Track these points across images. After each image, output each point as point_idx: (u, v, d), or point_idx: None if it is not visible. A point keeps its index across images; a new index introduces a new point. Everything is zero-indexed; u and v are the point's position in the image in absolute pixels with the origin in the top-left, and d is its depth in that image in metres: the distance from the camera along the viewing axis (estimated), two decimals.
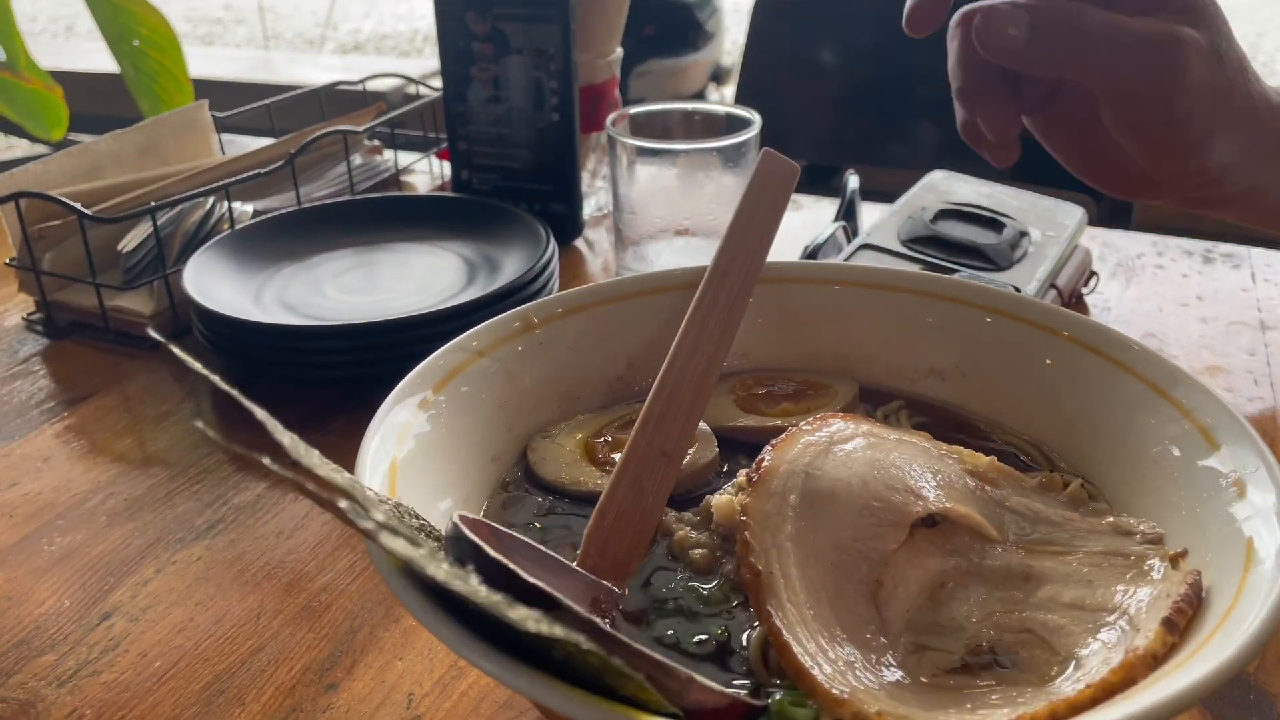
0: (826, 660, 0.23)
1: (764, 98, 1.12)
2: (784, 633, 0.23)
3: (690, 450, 0.31)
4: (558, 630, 0.17)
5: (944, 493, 0.26)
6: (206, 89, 1.13)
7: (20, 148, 1.80)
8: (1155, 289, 0.57)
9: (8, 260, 0.54)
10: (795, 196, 0.67)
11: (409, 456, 0.28)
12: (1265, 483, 0.25)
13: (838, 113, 1.13)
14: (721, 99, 2.26)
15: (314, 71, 2.53)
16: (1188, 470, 0.28)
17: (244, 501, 0.41)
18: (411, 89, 0.77)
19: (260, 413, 0.21)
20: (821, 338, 0.38)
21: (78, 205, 0.50)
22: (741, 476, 0.29)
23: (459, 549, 0.21)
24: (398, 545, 0.19)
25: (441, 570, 0.19)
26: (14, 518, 0.41)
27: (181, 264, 0.51)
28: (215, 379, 0.23)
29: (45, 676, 0.32)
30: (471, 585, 0.18)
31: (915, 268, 0.48)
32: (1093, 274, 0.55)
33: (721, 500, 0.28)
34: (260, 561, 0.37)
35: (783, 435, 0.29)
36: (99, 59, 1.89)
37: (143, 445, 0.45)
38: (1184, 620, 0.23)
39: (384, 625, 0.34)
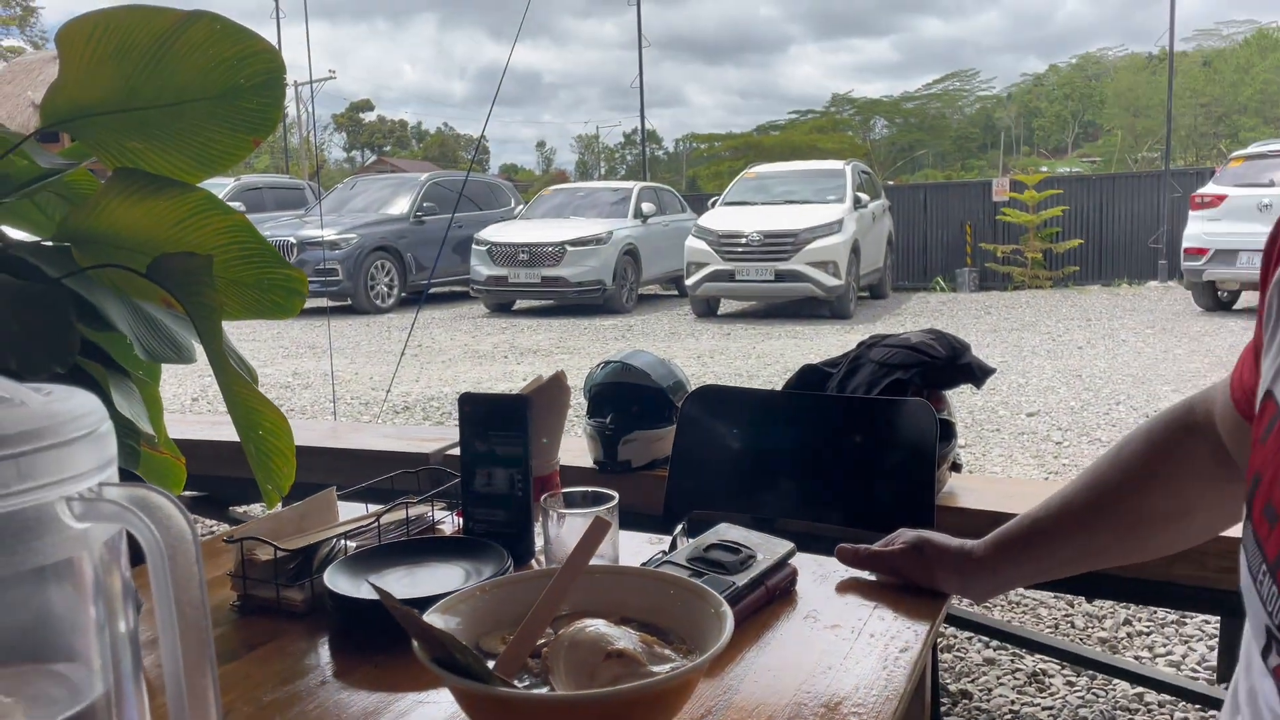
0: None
1: (691, 458, 1.65)
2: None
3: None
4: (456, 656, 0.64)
5: (621, 641, 0.73)
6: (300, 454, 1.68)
7: None
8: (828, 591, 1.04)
9: (228, 573, 1.04)
10: (650, 535, 1.17)
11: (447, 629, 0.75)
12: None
13: (731, 476, 1.66)
14: None
15: (374, 439, 3.18)
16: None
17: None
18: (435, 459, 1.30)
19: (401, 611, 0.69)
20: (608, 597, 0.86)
21: (275, 543, 1.00)
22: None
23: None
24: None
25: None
26: None
27: (319, 573, 1.00)
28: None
29: None
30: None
31: (685, 573, 0.96)
32: (793, 580, 1.02)
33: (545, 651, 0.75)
34: None
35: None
36: (224, 430, 2.49)
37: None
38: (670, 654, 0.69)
39: None
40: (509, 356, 8.22)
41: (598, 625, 0.75)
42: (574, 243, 11.16)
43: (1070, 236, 14.18)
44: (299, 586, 1.00)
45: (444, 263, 12.28)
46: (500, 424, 1.10)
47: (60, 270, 2.00)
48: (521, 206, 13.60)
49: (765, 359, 7.59)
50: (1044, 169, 26.65)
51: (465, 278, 11.89)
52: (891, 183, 18.02)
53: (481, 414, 1.11)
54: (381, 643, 0.93)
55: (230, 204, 2.03)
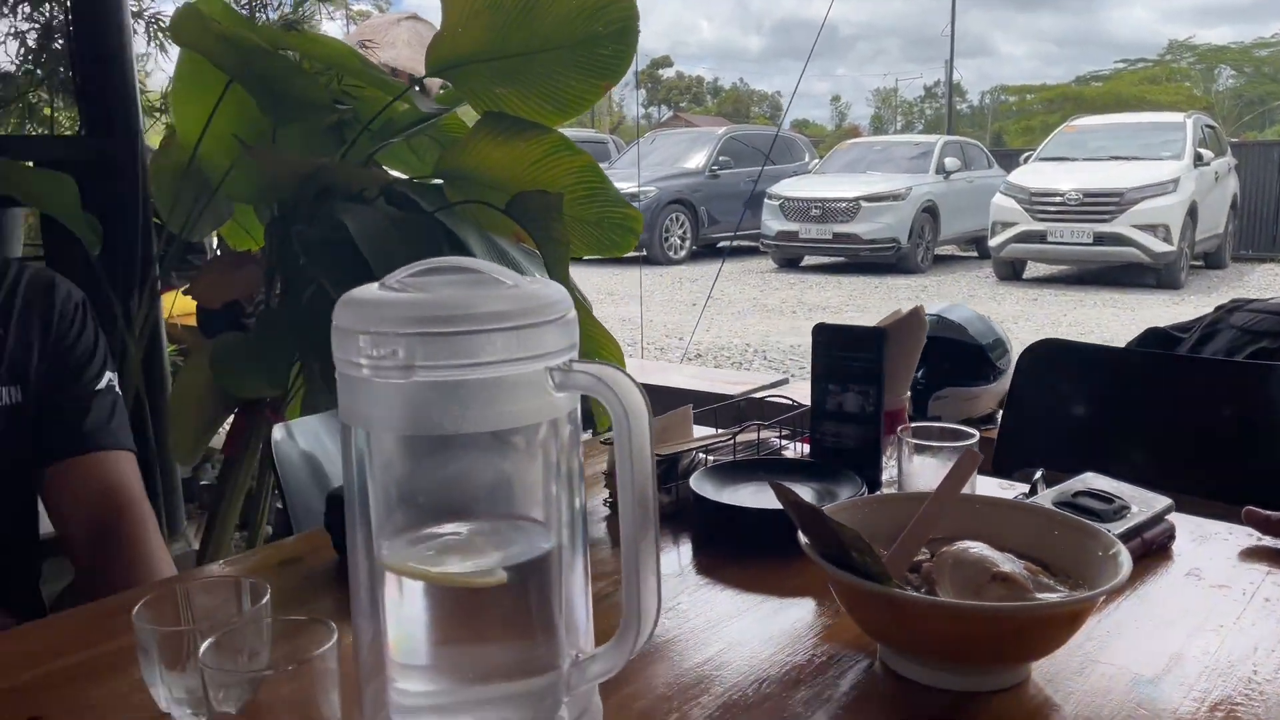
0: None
1: (1027, 414, 1.60)
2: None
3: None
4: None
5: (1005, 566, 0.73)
6: None
7: None
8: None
9: (603, 471, 1.14)
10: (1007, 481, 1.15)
11: None
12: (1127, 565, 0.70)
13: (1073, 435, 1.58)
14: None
15: (679, 378, 3.34)
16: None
17: None
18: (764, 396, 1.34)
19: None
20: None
21: None
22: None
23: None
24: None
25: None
26: None
27: (684, 479, 1.07)
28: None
29: None
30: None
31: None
32: (1171, 536, 0.96)
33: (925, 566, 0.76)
34: None
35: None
36: None
37: None
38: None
39: None
40: (796, 312, 8.20)
41: (980, 548, 0.75)
42: (869, 198, 10.87)
43: None
44: (665, 490, 1.08)
45: (734, 217, 12.42)
46: (855, 353, 1.12)
47: (433, 205, 2.25)
48: (815, 161, 13.43)
49: (1078, 328, 7.04)
50: None
51: (754, 232, 11.96)
52: (1236, 140, 15.92)
53: (837, 342, 1.13)
54: (743, 547, 0.98)
55: None
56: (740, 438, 1.22)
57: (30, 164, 2.29)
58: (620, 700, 0.71)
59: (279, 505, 2.97)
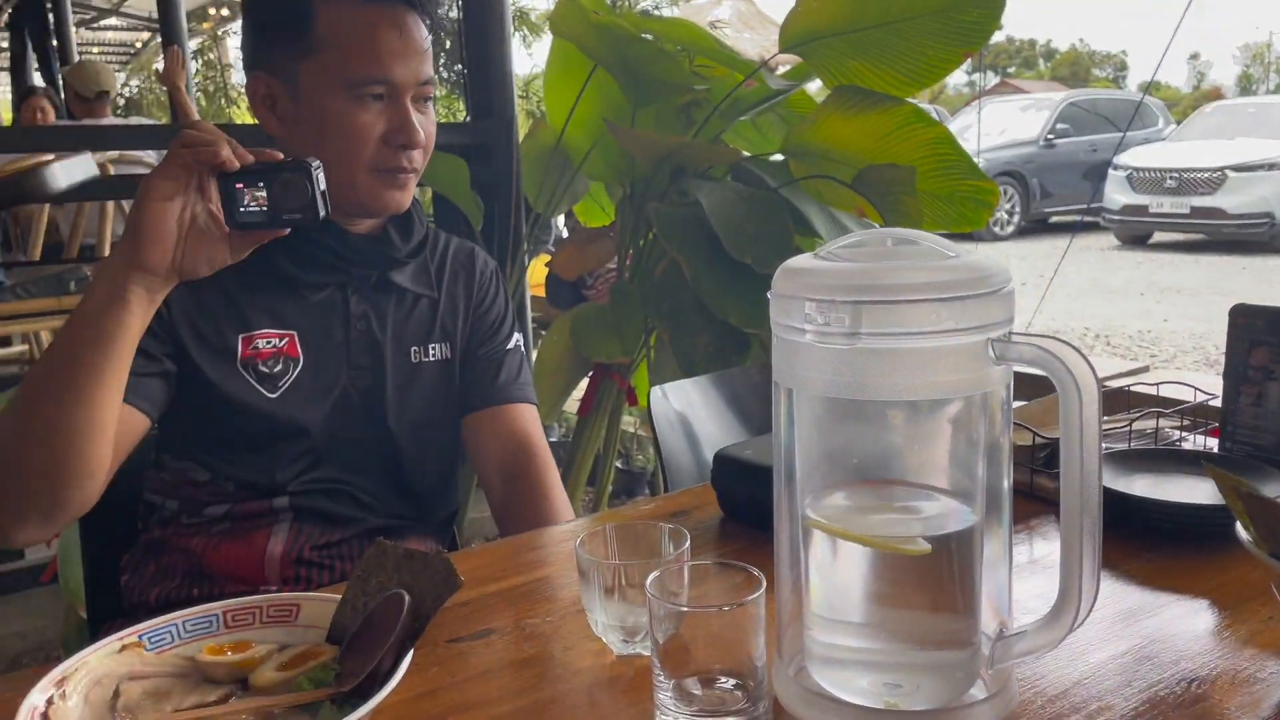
0: None
1: None
2: None
3: None
4: None
5: None
6: None
7: None
8: None
9: None
10: None
11: None
12: None
13: None
14: None
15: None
16: None
17: None
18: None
19: None
20: None
21: (1034, 429, 1.04)
22: None
23: None
24: None
25: None
26: None
27: None
28: None
29: None
30: None
31: None
32: None
33: None
34: None
35: None
36: None
37: None
38: None
39: None
40: (1145, 294, 7.44)
41: None
42: (1238, 168, 9.57)
43: None
44: (1051, 475, 1.04)
45: (1070, 189, 11.45)
46: None
47: (779, 180, 2.29)
48: (1171, 127, 12.03)
49: None
50: None
51: (1090, 206, 10.95)
52: None
53: (1260, 327, 1.02)
54: (1147, 539, 0.92)
55: None
56: (1141, 425, 1.13)
57: None
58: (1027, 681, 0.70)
59: (619, 465, 3.18)
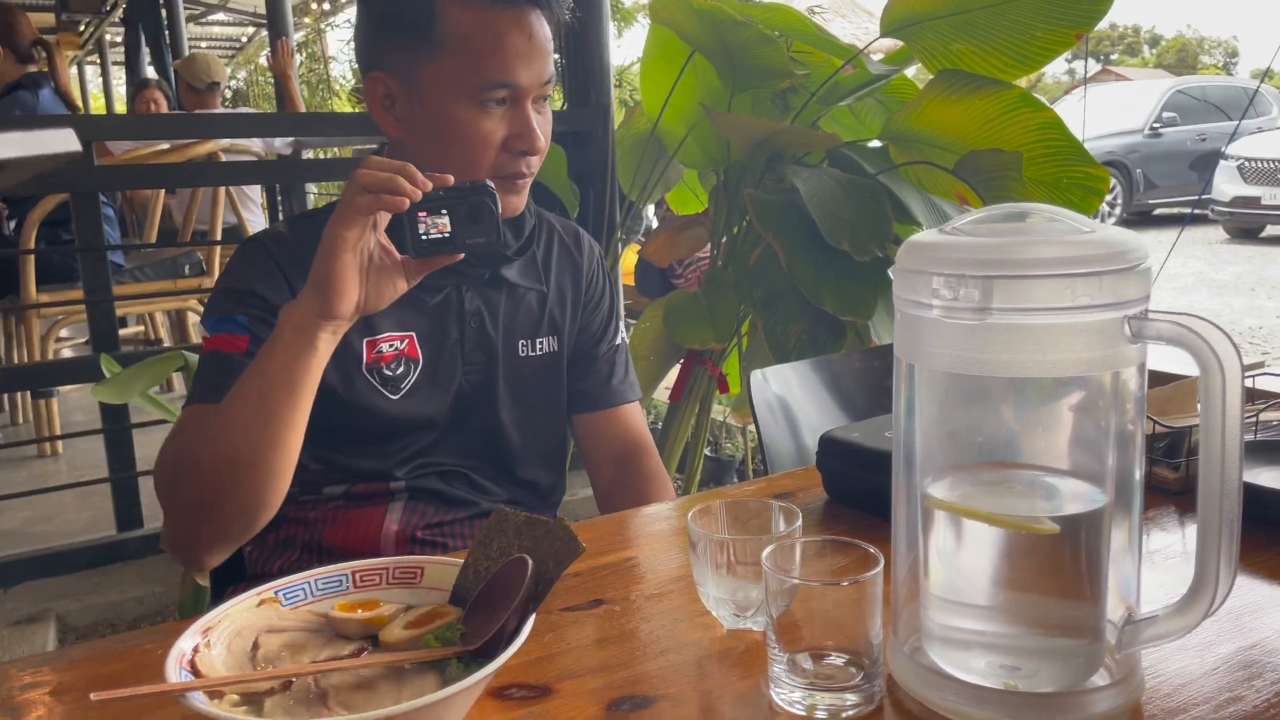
0: None
1: None
2: None
3: None
4: None
5: None
6: None
7: None
8: None
9: None
10: None
11: None
12: None
13: None
14: None
15: None
16: None
17: None
18: None
19: None
20: None
21: (1156, 418, 1.01)
22: None
23: None
24: None
25: None
26: None
27: (1193, 456, 0.99)
28: None
29: None
30: None
31: None
32: None
33: None
34: None
35: None
36: None
37: None
38: None
39: None
40: (1255, 289, 7.10)
41: None
42: None
43: None
44: (1171, 465, 1.00)
45: (1174, 180, 10.99)
46: None
47: (877, 167, 2.25)
48: None
49: None
50: None
51: (1200, 198, 10.48)
52: None
53: None
54: (1272, 532, 0.89)
55: None
56: (1269, 415, 1.09)
57: None
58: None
59: (708, 453, 3.18)
